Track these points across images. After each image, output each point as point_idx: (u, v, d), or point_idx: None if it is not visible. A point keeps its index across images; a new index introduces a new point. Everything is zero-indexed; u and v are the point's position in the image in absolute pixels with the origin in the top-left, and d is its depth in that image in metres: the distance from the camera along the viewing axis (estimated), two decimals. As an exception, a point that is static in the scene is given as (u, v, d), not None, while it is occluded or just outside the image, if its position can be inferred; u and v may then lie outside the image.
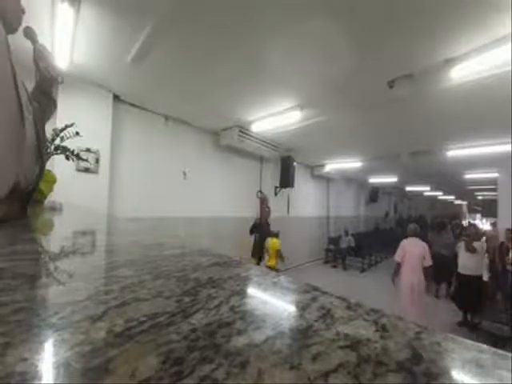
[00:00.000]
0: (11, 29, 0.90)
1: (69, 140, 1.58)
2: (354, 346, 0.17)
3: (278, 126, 4.16)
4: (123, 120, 3.57)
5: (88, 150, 2.98)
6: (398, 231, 11.17)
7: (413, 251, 3.58)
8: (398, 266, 3.67)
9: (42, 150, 0.95)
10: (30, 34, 0.99)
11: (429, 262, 3.51)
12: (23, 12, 0.92)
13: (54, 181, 1.42)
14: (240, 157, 5.40)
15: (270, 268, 4.12)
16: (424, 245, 3.61)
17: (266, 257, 4.36)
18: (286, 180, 6.01)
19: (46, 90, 1.03)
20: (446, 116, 3.64)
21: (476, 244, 3.73)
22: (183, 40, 2.27)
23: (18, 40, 0.89)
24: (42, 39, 1.02)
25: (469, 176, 8.19)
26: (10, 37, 0.79)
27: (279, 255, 4.25)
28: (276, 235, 4.51)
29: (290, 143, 5.39)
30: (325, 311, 0.22)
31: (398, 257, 3.68)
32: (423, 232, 8.24)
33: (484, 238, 6.89)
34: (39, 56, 0.98)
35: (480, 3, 1.74)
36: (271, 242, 4.32)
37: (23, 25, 0.93)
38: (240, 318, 0.20)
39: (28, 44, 1.00)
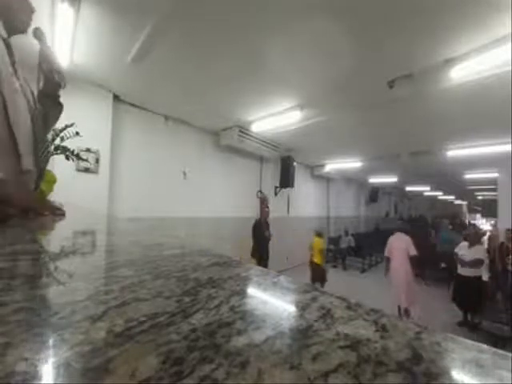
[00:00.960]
0: (18, 29, 0.87)
1: (69, 140, 1.58)
2: (354, 345, 0.17)
3: (278, 126, 4.16)
4: (123, 120, 3.57)
5: (88, 150, 2.98)
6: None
7: (398, 246, 4.01)
8: (388, 260, 4.13)
9: (38, 152, 0.94)
10: (38, 35, 0.97)
11: (413, 252, 3.86)
12: (32, 11, 0.90)
13: (54, 181, 1.42)
14: (240, 157, 5.39)
15: (317, 265, 4.61)
16: (407, 238, 4.00)
17: (311, 254, 4.81)
18: (286, 180, 6.00)
19: (50, 93, 1.02)
20: (446, 116, 3.64)
21: (478, 248, 3.72)
22: (183, 40, 2.27)
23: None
24: (42, 39, 1.01)
25: (469, 176, 8.19)
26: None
27: (322, 253, 4.69)
28: (319, 235, 4.83)
29: (290, 143, 5.38)
30: (325, 311, 0.22)
31: (386, 252, 4.16)
32: (423, 231, 8.31)
33: (485, 237, 6.91)
34: (44, 59, 0.97)
35: (480, 3, 1.74)
36: (315, 241, 4.73)
37: None
38: (240, 318, 0.20)
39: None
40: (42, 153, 0.97)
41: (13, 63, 0.82)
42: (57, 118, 1.10)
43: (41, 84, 1.00)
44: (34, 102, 0.91)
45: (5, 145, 0.75)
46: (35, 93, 0.94)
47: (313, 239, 4.81)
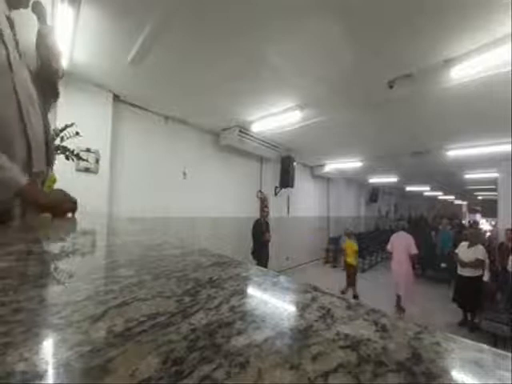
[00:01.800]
0: (21, 3, 0.76)
1: (69, 140, 1.58)
2: (354, 346, 0.17)
3: (278, 126, 4.16)
4: (123, 120, 3.56)
5: (88, 150, 2.98)
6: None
7: (399, 244, 4.28)
8: (390, 253, 4.52)
9: (50, 151, 0.90)
10: (38, 9, 0.83)
11: (414, 251, 4.12)
12: None
13: (54, 181, 1.42)
14: (240, 157, 5.39)
15: (350, 265, 4.88)
16: (409, 237, 4.26)
17: (344, 255, 5.10)
18: (286, 180, 6.00)
19: (48, 79, 0.90)
20: (446, 116, 3.64)
21: (478, 248, 3.72)
22: (183, 40, 2.27)
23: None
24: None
25: (469, 176, 8.19)
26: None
27: (356, 254, 4.93)
28: (349, 236, 5.14)
29: (289, 143, 5.39)
30: (325, 311, 0.22)
31: (389, 247, 4.52)
32: (423, 231, 8.31)
33: (486, 237, 6.90)
34: (42, 41, 0.85)
35: (480, 3, 1.74)
36: (347, 243, 5.04)
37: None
38: (240, 318, 0.20)
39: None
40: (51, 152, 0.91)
41: (16, 45, 0.71)
42: (54, 105, 1.01)
43: (38, 67, 0.87)
44: (36, 89, 0.80)
45: (20, 145, 0.70)
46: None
47: (345, 240, 5.23)
